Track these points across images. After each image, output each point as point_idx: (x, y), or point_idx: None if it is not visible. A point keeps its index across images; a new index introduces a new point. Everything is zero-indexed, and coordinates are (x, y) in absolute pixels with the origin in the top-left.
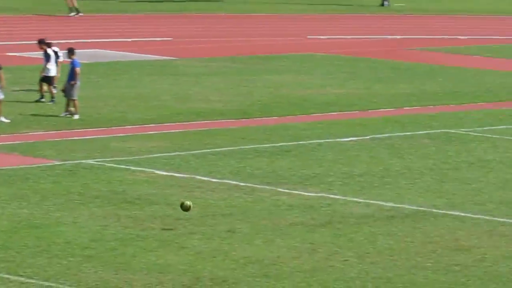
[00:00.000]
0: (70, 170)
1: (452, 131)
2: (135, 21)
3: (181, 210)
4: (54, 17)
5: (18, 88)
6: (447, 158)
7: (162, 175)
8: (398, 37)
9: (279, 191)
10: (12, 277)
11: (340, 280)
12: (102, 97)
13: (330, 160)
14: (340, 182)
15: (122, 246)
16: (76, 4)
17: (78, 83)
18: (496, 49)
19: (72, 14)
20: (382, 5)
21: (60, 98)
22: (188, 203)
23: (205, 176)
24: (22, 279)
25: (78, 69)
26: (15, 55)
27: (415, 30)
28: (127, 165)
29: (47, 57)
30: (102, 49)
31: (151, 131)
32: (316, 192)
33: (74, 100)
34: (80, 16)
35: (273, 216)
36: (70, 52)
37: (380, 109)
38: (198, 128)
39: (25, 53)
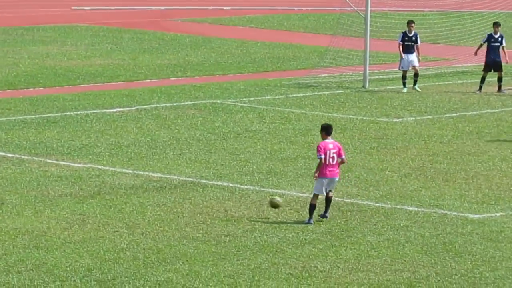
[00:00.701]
0: None
1: (219, 101)
2: None
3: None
4: None
5: None
6: (214, 129)
7: None
8: (162, 8)
9: (47, 162)
10: None
11: (111, 251)
12: None
13: (98, 131)
14: (108, 153)
15: None
16: None
17: None
18: (260, 19)
19: None
20: None
21: None
22: (276, 200)
23: None
24: None
25: None
26: None
27: (178, 1)
28: None
29: None
30: None
31: None
32: (84, 163)
33: None
34: None
35: (42, 187)
36: None
37: (146, 80)
38: None
39: None
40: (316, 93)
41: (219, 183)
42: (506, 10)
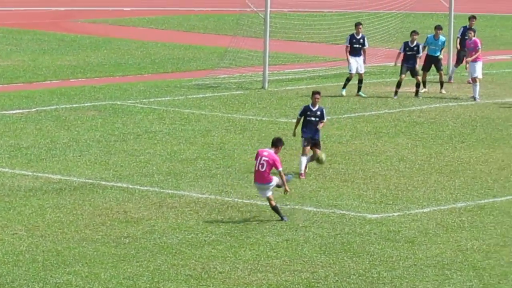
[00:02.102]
0: None
1: (118, 102)
2: None
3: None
4: None
5: None
6: (114, 130)
7: None
8: (62, 8)
9: None
10: None
11: (9, 254)
12: None
13: None
14: (7, 155)
15: None
16: None
17: None
18: (160, 20)
19: None
20: None
21: None
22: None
23: None
24: None
25: None
26: None
27: (79, 1)
28: None
29: None
30: None
31: None
32: None
33: None
34: None
35: None
36: None
37: (45, 81)
38: None
39: None
40: (215, 94)
41: (119, 184)
42: (404, 10)
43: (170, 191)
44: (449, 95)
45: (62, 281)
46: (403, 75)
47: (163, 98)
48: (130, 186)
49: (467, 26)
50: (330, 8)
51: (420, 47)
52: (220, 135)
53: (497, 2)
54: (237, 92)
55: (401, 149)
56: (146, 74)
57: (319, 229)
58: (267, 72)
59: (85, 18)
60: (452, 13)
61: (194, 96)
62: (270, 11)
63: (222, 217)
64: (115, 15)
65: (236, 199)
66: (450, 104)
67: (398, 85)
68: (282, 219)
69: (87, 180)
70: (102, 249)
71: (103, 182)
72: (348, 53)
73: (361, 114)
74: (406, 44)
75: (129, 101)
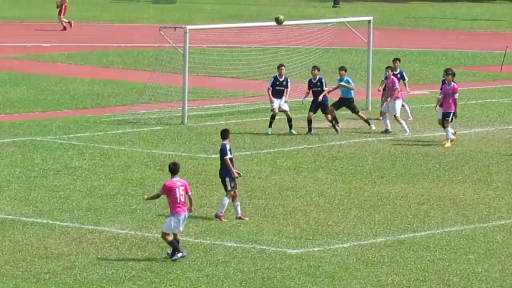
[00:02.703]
0: None
1: (38, 138)
2: None
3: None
4: None
5: None
6: (34, 166)
7: None
8: None
9: None
10: None
11: None
12: None
13: None
14: None
15: None
16: None
17: None
18: (79, 56)
19: None
20: None
21: None
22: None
23: None
24: None
25: None
26: None
27: None
28: None
29: None
30: None
31: None
32: None
33: None
34: None
35: None
36: None
37: None
38: None
39: None
40: (135, 129)
41: (39, 220)
42: (323, 46)
43: (90, 227)
44: (367, 129)
45: None
46: (310, 112)
47: (83, 134)
48: (50, 222)
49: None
50: (249, 43)
51: (323, 80)
52: (140, 170)
53: (415, 38)
54: (157, 128)
55: (321, 184)
56: (66, 110)
57: (240, 264)
58: (186, 107)
59: (4, 54)
60: (371, 48)
61: (114, 132)
62: (189, 46)
63: (143, 252)
64: (34, 50)
65: (156, 235)
66: (369, 139)
67: (309, 122)
68: (179, 253)
69: (6, 216)
70: (23, 285)
71: (23, 218)
72: (270, 94)
73: (280, 149)
74: (310, 81)
75: (49, 137)
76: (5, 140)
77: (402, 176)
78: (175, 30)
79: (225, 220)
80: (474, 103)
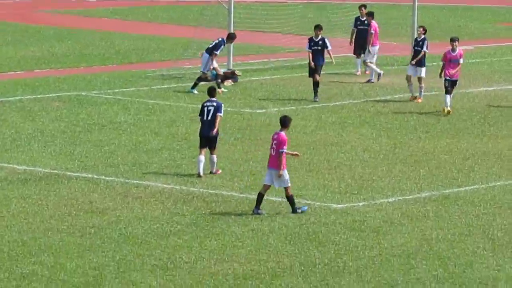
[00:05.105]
0: None
1: (83, 93)
2: None
3: None
4: None
5: None
6: (79, 121)
7: None
8: None
9: None
10: None
11: None
12: None
13: None
14: None
15: None
16: None
17: None
18: (125, 11)
19: None
20: None
21: None
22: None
23: None
24: None
25: None
26: None
27: None
28: None
29: None
30: None
31: None
32: None
33: None
34: None
35: None
36: None
37: (10, 71)
38: None
39: None
40: (180, 84)
41: (84, 175)
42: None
43: (135, 182)
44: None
45: (27, 271)
46: (315, 75)
47: (128, 89)
48: (95, 177)
49: (359, 16)
50: None
51: (326, 40)
52: (185, 125)
53: None
54: (202, 83)
55: (366, 139)
56: (111, 65)
57: (285, 219)
58: (231, 62)
59: (48, 9)
60: (416, 3)
61: (159, 87)
62: (234, 1)
63: (188, 207)
64: (79, 6)
65: (201, 189)
66: (414, 94)
67: (316, 85)
68: (294, 211)
69: (52, 171)
70: (68, 239)
71: (68, 173)
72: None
73: (325, 104)
74: (310, 39)
75: (94, 92)
76: (51, 95)
77: (447, 131)
78: None
79: (221, 171)
80: None
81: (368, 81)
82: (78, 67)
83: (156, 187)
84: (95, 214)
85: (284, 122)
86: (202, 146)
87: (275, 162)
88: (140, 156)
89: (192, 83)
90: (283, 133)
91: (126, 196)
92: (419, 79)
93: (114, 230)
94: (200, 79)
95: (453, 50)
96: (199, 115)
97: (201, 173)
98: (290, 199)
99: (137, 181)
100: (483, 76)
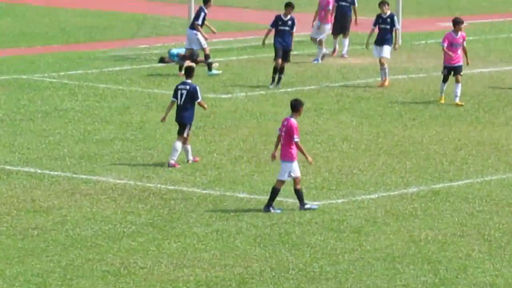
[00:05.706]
0: None
1: (24, 76)
2: None
3: None
4: None
5: None
6: (19, 108)
7: None
8: None
9: None
10: None
11: None
12: None
13: None
14: None
15: None
16: None
17: None
18: None
19: None
20: None
21: None
22: None
23: None
24: None
25: None
26: None
27: None
28: None
29: None
30: None
31: None
32: None
33: None
34: None
35: None
36: None
37: None
38: None
39: None
40: (134, 66)
41: (26, 169)
42: None
43: (83, 177)
44: (398, 66)
45: None
46: (279, 59)
47: (75, 72)
48: (39, 171)
49: None
50: None
51: (295, 21)
52: (140, 113)
53: None
54: (159, 65)
55: (345, 128)
56: (55, 45)
57: (253, 218)
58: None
59: None
60: None
61: (110, 69)
62: None
63: (143, 205)
64: None
65: (159, 185)
66: (400, 77)
67: (275, 70)
68: (302, 206)
69: None
70: (7, 242)
71: (8, 167)
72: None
73: (299, 88)
74: (278, 17)
75: (36, 75)
76: None
77: (436, 118)
78: None
79: (179, 166)
80: None
81: (323, 56)
82: (18, 47)
83: (108, 182)
84: (38, 213)
85: (295, 106)
86: (179, 132)
87: (286, 153)
88: (89, 147)
89: (206, 67)
90: (293, 120)
91: (73, 193)
92: (382, 59)
93: (60, 232)
94: (206, 58)
95: (456, 32)
96: (173, 97)
97: (190, 159)
98: (298, 192)
99: (86, 176)
100: (477, 56)
